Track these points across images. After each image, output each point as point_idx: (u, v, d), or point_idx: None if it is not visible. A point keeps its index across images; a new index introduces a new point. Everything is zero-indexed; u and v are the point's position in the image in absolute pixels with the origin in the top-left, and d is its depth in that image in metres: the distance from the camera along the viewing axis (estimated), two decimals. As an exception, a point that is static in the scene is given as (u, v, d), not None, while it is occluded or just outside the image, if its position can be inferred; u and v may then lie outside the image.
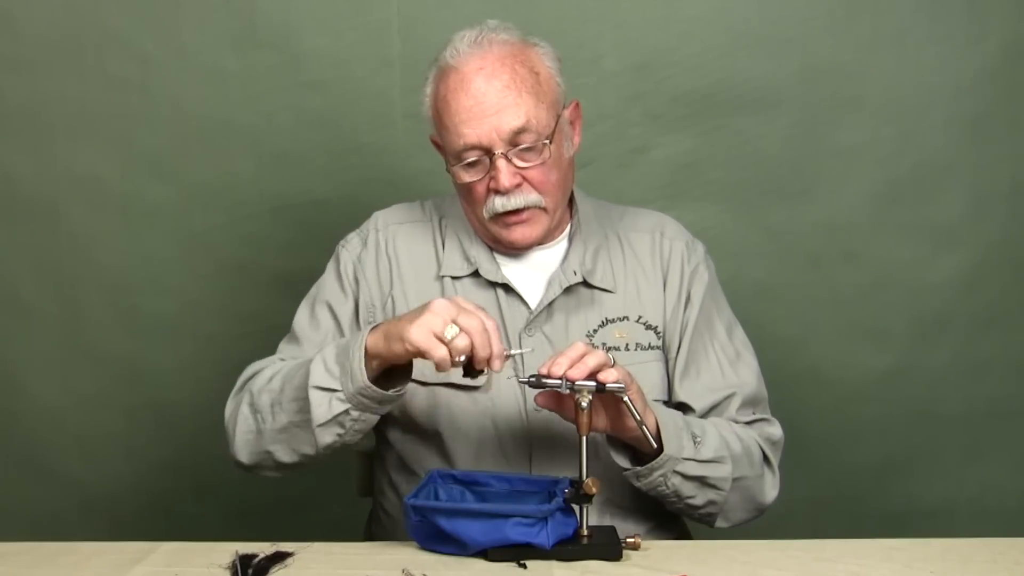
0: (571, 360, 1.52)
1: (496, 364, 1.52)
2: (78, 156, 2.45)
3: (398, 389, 1.59)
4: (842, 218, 2.45)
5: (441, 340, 1.49)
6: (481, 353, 1.50)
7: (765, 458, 1.75)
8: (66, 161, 2.45)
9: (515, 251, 1.77)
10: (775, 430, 1.79)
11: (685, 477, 1.63)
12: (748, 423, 1.77)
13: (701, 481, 1.65)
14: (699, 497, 1.67)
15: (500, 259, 1.79)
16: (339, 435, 1.61)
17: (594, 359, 1.52)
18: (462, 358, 1.50)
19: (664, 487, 1.64)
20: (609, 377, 1.52)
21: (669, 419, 1.63)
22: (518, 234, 1.72)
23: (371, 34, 2.41)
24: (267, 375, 1.70)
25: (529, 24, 1.78)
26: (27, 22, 2.43)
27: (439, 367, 1.51)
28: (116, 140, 2.45)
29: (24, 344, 2.50)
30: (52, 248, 2.48)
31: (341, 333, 1.78)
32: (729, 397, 1.77)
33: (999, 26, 2.41)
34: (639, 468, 1.62)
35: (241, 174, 2.45)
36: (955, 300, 2.46)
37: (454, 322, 1.50)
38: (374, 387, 1.56)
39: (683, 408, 1.76)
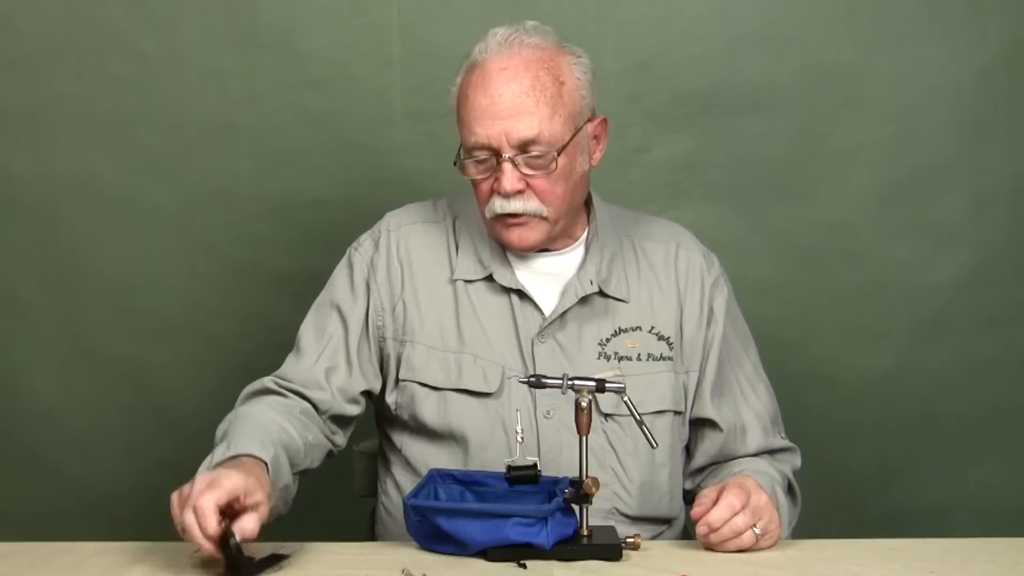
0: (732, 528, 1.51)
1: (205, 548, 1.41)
2: (78, 156, 2.45)
3: None
4: (842, 218, 2.45)
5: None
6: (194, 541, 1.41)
7: (790, 490, 1.74)
8: (66, 161, 2.45)
9: (514, 252, 1.76)
10: (797, 459, 1.80)
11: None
12: (772, 453, 1.77)
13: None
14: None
15: (515, 264, 1.77)
16: None
17: (744, 538, 1.52)
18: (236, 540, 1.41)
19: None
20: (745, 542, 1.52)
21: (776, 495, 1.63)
22: (515, 235, 1.71)
23: (371, 34, 2.41)
24: (226, 420, 1.67)
25: (528, 24, 1.77)
26: (27, 22, 2.43)
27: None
28: (116, 140, 2.45)
29: (24, 344, 2.49)
30: (52, 248, 2.47)
31: (347, 338, 1.76)
32: (753, 424, 1.77)
33: (999, 26, 2.41)
34: None
35: (241, 174, 2.45)
36: (955, 300, 2.46)
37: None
38: None
39: (710, 424, 1.77)
